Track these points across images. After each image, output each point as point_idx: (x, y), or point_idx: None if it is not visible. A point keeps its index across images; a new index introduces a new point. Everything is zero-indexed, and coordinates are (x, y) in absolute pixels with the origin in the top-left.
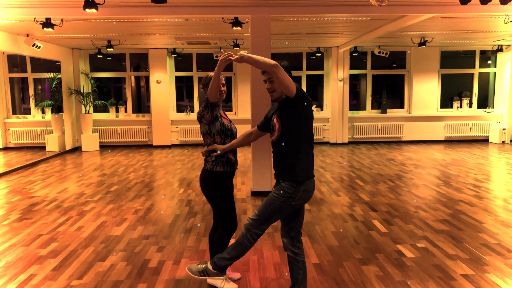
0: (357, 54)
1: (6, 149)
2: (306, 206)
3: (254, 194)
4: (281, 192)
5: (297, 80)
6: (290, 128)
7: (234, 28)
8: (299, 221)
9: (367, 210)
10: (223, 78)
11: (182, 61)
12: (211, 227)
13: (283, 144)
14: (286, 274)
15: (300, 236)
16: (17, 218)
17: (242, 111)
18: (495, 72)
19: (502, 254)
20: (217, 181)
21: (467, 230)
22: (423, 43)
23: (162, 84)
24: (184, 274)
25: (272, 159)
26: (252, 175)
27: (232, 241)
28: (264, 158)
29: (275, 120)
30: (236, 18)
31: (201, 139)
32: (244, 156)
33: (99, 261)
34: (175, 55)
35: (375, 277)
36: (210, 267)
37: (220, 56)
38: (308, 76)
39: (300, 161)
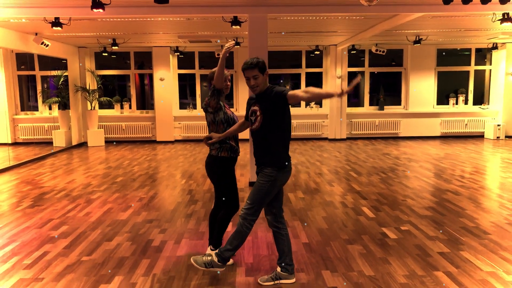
0: (355, 52)
1: (15, 144)
2: (300, 194)
3: (252, 184)
4: (267, 177)
5: (297, 77)
6: (276, 119)
7: (233, 27)
8: (279, 200)
9: (358, 198)
10: (230, 75)
11: (184, 59)
12: (210, 212)
13: (267, 133)
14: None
15: (282, 212)
16: (29, 205)
17: (243, 108)
18: (490, 70)
19: (478, 235)
20: (221, 165)
21: (449, 215)
22: (418, 41)
23: (165, 81)
24: (184, 252)
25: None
26: (250, 167)
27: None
28: None
29: (258, 112)
30: (235, 17)
31: (204, 134)
32: (244, 151)
33: (106, 241)
34: (178, 53)
35: (359, 254)
36: (215, 259)
37: (222, 52)
38: (307, 74)
39: (282, 148)
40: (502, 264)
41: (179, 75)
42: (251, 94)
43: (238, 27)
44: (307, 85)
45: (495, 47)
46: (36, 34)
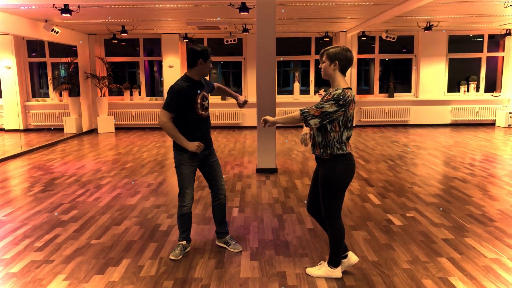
0: (365, 38)
1: (26, 130)
2: (307, 181)
3: (259, 171)
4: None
5: (306, 64)
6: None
7: (241, 13)
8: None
9: (364, 185)
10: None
11: None
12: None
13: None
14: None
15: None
16: (40, 190)
17: (251, 95)
18: (503, 56)
19: (484, 223)
20: None
21: (456, 203)
22: (429, 28)
23: (174, 68)
24: (191, 237)
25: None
26: (257, 154)
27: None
28: (268, 138)
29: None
30: (243, 3)
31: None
32: (252, 138)
33: (115, 225)
34: (187, 40)
35: (363, 240)
36: (232, 242)
37: (229, 41)
38: (316, 61)
39: None
40: (506, 251)
41: None
42: (258, 82)
43: (246, 13)
44: (316, 73)
45: (508, 33)
46: (46, 21)
